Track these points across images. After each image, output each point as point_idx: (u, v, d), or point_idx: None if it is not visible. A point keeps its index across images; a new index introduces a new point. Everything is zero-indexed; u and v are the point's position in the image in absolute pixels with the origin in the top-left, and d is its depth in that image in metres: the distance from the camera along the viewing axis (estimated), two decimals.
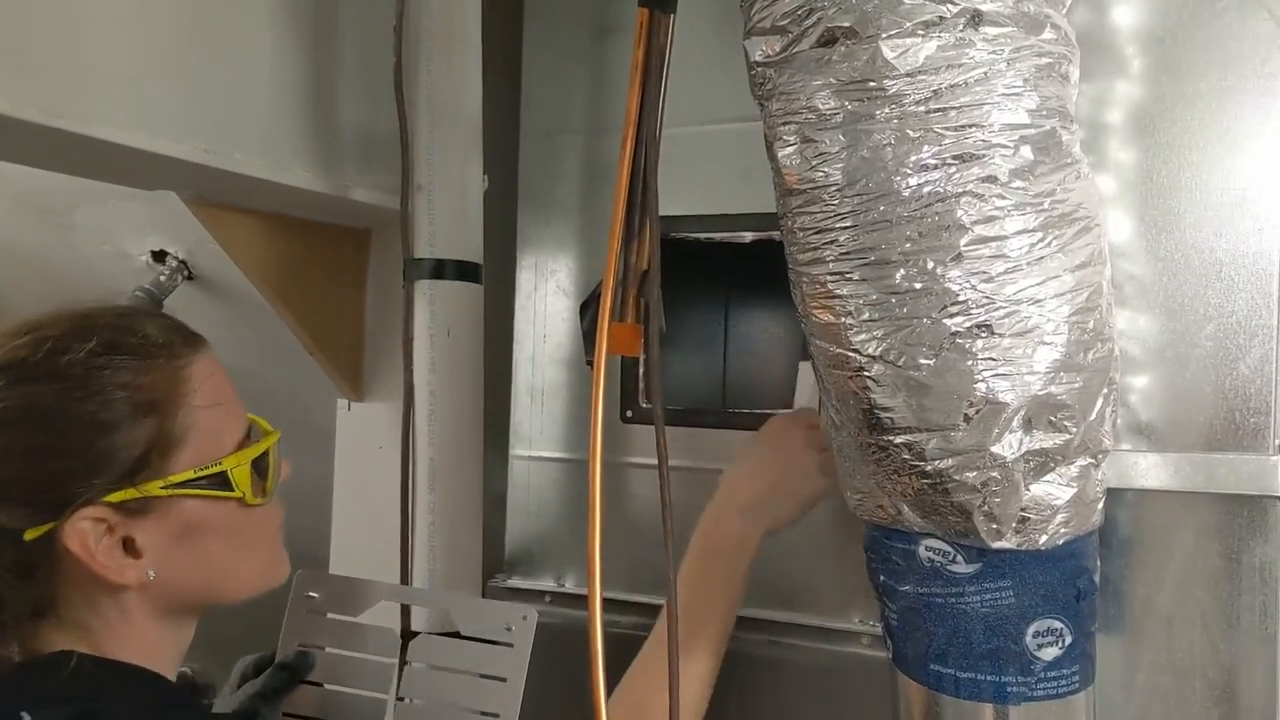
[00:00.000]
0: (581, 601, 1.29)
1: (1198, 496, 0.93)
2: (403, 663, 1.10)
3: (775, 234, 1.00)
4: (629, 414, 1.24)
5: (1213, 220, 0.93)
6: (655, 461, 0.89)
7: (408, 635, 1.11)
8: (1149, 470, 0.95)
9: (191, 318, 1.38)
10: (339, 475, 1.46)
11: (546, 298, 1.30)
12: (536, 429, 1.30)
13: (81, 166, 1.11)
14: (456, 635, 1.04)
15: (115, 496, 0.75)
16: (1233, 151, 0.93)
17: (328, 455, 1.48)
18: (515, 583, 1.30)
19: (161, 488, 0.76)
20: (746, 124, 1.09)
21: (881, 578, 0.86)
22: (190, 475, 0.78)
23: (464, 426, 1.15)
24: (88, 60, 0.97)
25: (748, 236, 1.20)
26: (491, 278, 1.20)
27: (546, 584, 1.29)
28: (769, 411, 1.19)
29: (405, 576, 1.12)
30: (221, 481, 0.80)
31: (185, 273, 1.30)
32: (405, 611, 1.11)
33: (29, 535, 0.73)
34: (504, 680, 0.91)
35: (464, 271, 1.13)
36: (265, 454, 0.85)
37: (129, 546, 0.76)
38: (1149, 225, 0.97)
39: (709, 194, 1.21)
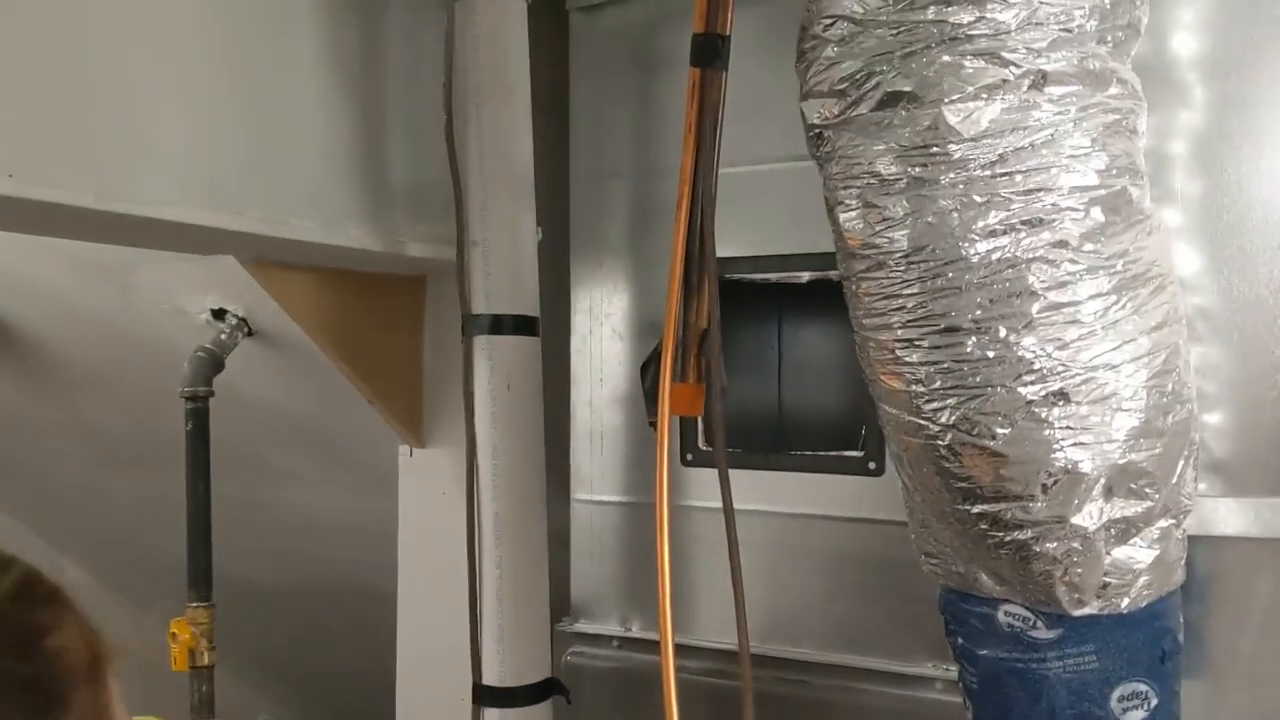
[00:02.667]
0: (649, 646, 1.29)
1: (1279, 542, 0.91)
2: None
3: (832, 272, 1.00)
4: (689, 457, 1.23)
5: None
6: (716, 505, 0.91)
7: (479, 688, 1.12)
8: (1228, 517, 0.93)
9: (253, 371, 1.41)
10: (403, 518, 1.47)
11: (602, 342, 1.30)
12: (597, 472, 1.30)
13: (139, 240, 1.13)
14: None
15: None
16: None
17: (390, 494, 1.49)
18: (581, 627, 1.30)
19: None
20: (797, 164, 1.09)
21: (960, 640, 0.85)
22: None
23: (527, 477, 1.15)
24: (139, 140, 0.97)
25: (804, 276, 1.19)
26: (547, 322, 1.19)
27: (613, 628, 1.29)
28: (827, 454, 1.19)
29: (475, 628, 1.13)
30: None
31: (245, 330, 1.32)
32: (476, 663, 1.12)
33: None
34: None
35: (521, 325, 1.13)
36: None
37: None
38: (1219, 263, 0.94)
39: (761, 233, 1.20)
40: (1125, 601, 0.77)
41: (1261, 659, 0.92)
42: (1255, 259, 0.92)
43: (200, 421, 1.29)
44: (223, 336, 1.30)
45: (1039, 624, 0.78)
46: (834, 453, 1.18)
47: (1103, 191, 0.73)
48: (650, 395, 1.16)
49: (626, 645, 1.28)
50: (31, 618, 0.53)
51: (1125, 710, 0.78)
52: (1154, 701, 0.79)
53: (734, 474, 1.18)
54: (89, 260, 1.36)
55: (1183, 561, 0.80)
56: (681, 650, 1.20)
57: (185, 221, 0.99)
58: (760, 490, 1.19)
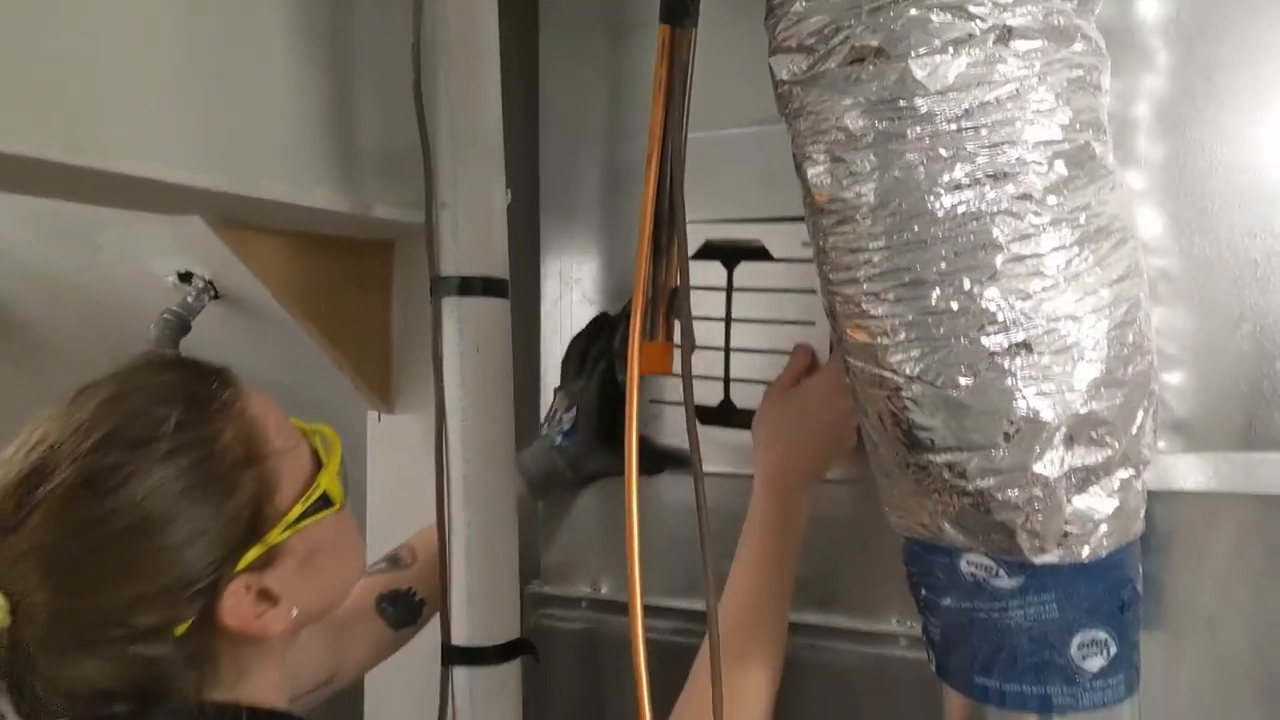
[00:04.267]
0: (618, 608, 1.30)
1: (1237, 497, 0.93)
2: (446, 679, 1.12)
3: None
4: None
5: (1245, 220, 0.93)
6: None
7: (449, 648, 1.13)
8: (1188, 471, 0.95)
9: (220, 335, 1.40)
10: (372, 484, 1.47)
11: (572, 306, 1.30)
12: None
13: (104, 197, 1.12)
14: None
15: (246, 560, 0.75)
16: (1265, 151, 0.92)
17: (359, 462, 1.49)
18: (550, 590, 1.31)
19: (281, 532, 0.77)
20: (767, 127, 1.10)
21: (923, 592, 0.86)
22: (299, 509, 0.79)
23: (496, 440, 1.15)
24: (104, 96, 0.96)
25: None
26: (517, 287, 1.19)
27: (583, 590, 1.30)
28: None
29: (445, 589, 1.13)
30: (322, 500, 0.81)
31: (212, 292, 1.31)
32: (445, 624, 1.13)
33: (179, 632, 0.73)
34: None
35: (490, 287, 1.12)
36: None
37: (266, 596, 0.77)
38: (1181, 224, 0.96)
39: (732, 199, 1.21)
40: (1086, 550, 0.78)
41: (1218, 610, 0.94)
42: (1215, 220, 0.94)
43: None
44: (189, 299, 1.29)
45: (1001, 573, 0.79)
46: None
47: (1066, 146, 0.74)
48: (620, 354, 1.16)
49: (595, 606, 1.29)
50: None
51: (1085, 657, 0.80)
52: (1113, 649, 0.80)
53: (701, 434, 1.20)
54: (58, 224, 1.35)
55: (1142, 513, 0.82)
56: (651, 611, 1.21)
57: (151, 178, 0.99)
58: (726, 454, 1.20)
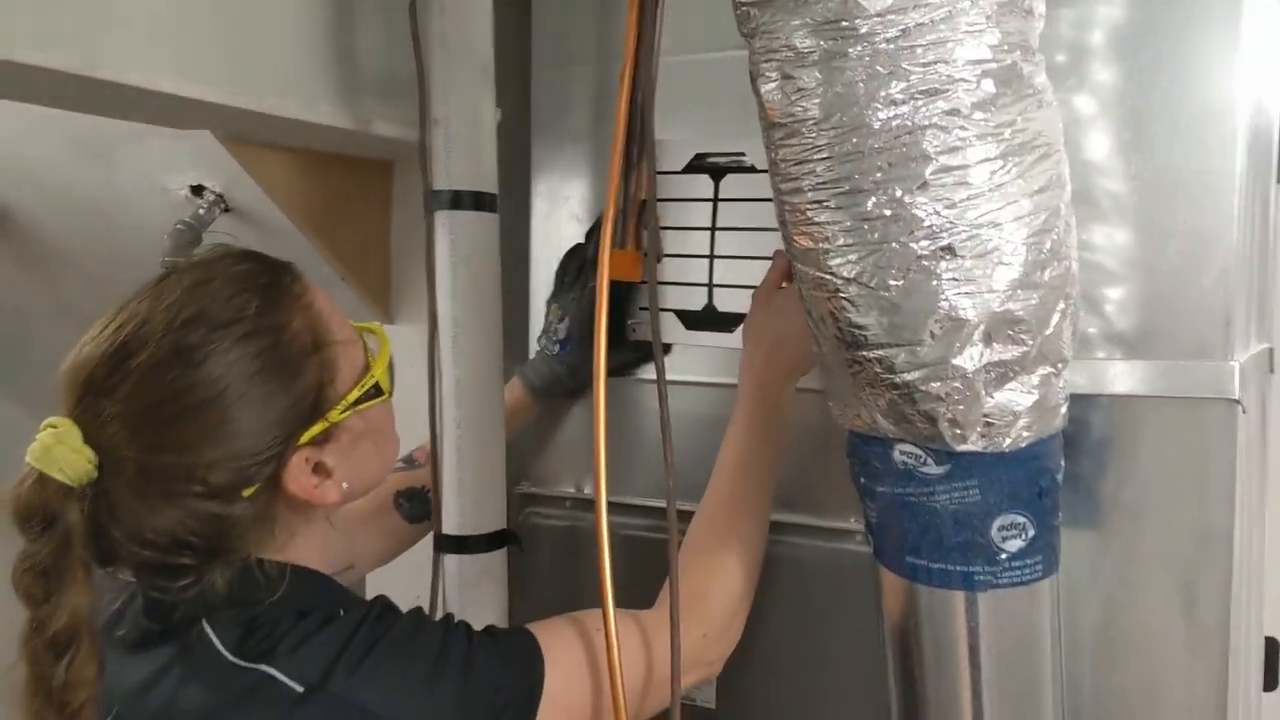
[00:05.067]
0: None
1: (1162, 400, 1.00)
2: (437, 564, 1.21)
3: None
4: (634, 331, 1.31)
5: (1180, 141, 0.99)
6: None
7: (439, 536, 1.22)
8: (1119, 377, 1.02)
9: None
10: None
11: (560, 224, 1.37)
12: None
13: (119, 110, 1.19)
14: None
15: (308, 435, 0.84)
16: (1199, 76, 0.98)
17: None
18: (537, 489, 1.40)
19: (340, 413, 0.86)
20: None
21: (862, 480, 0.94)
22: (355, 394, 0.88)
23: (486, 345, 1.22)
24: (121, 11, 1.04)
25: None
26: (507, 205, 1.26)
27: (566, 490, 1.39)
28: None
29: (436, 484, 1.22)
30: (375, 389, 0.90)
31: (222, 205, 1.39)
32: (437, 513, 1.21)
33: (248, 493, 0.82)
34: None
35: (480, 202, 1.19)
36: None
37: (322, 469, 0.86)
38: (1125, 146, 1.02)
39: (720, 118, 1.26)
40: (1006, 441, 0.85)
41: (1141, 506, 1.01)
42: (1154, 140, 1.00)
43: None
44: (201, 211, 1.36)
45: (929, 461, 0.87)
46: None
47: (994, 65, 0.80)
48: (592, 262, 1.24)
49: (577, 505, 1.37)
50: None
51: (1005, 539, 0.88)
52: (1031, 532, 0.88)
53: (677, 348, 1.28)
54: (75, 141, 1.43)
55: (1063, 410, 0.89)
56: (625, 509, 1.30)
57: (165, 91, 1.06)
58: (700, 362, 1.28)
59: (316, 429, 0.85)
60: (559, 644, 0.91)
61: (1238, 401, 0.97)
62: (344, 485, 0.87)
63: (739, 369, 1.13)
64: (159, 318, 0.81)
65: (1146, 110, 1.01)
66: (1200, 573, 0.99)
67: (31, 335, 2.01)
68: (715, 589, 1.02)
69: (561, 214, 1.37)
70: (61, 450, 0.77)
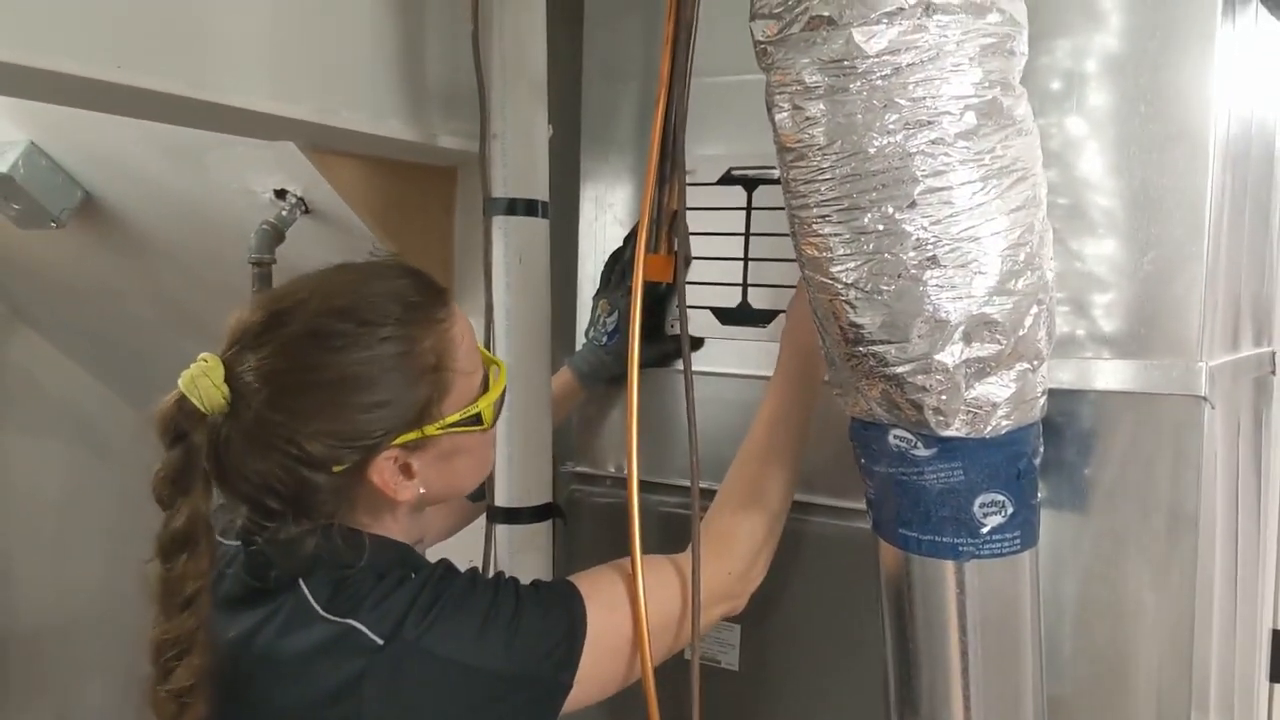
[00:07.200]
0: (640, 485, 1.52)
1: (1139, 396, 1.11)
2: (489, 534, 1.35)
3: None
4: (672, 326, 1.45)
5: (1158, 161, 1.10)
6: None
7: (492, 509, 1.36)
8: (1102, 374, 1.14)
9: (310, 246, 1.63)
10: None
11: (605, 227, 1.50)
12: None
13: (214, 124, 1.35)
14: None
15: (403, 439, 0.95)
16: (1174, 101, 1.08)
17: None
18: (581, 469, 1.54)
19: (436, 429, 0.97)
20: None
21: (862, 460, 1.06)
22: (456, 417, 0.98)
23: (535, 335, 1.36)
24: (219, 36, 1.19)
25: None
26: (558, 210, 1.40)
27: (609, 469, 1.52)
28: None
29: None
30: (475, 418, 1.01)
31: (303, 208, 1.54)
32: (490, 488, 1.35)
33: (336, 469, 0.93)
34: None
35: (532, 208, 1.33)
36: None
37: (406, 470, 0.97)
38: (1112, 165, 1.13)
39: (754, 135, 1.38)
40: (987, 428, 0.97)
41: (1116, 488, 1.12)
42: (1135, 159, 1.11)
43: (265, 284, 1.52)
44: (283, 213, 1.52)
45: (919, 444, 0.99)
46: None
47: (975, 100, 0.91)
48: (629, 265, 1.37)
49: (617, 484, 1.51)
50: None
51: (986, 515, 0.99)
52: (1010, 509, 0.99)
53: (715, 343, 1.41)
54: (171, 146, 1.59)
55: (1041, 401, 1.00)
56: (663, 488, 1.43)
57: (256, 109, 1.21)
58: (734, 356, 1.40)
59: (411, 436, 0.95)
60: (598, 589, 1.03)
61: (1205, 398, 1.08)
62: (420, 490, 0.98)
63: (780, 342, 1.24)
64: (316, 301, 0.94)
65: (1129, 132, 1.11)
66: (1169, 549, 1.10)
67: (126, 314, 2.19)
68: (742, 532, 1.14)
69: (607, 219, 1.50)
70: (205, 382, 0.90)
